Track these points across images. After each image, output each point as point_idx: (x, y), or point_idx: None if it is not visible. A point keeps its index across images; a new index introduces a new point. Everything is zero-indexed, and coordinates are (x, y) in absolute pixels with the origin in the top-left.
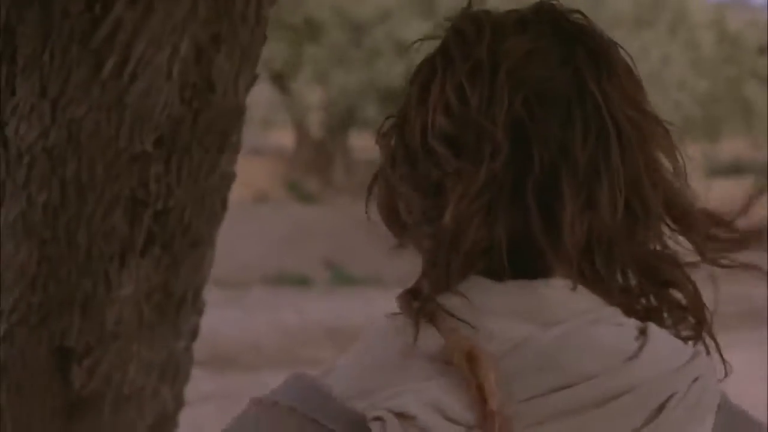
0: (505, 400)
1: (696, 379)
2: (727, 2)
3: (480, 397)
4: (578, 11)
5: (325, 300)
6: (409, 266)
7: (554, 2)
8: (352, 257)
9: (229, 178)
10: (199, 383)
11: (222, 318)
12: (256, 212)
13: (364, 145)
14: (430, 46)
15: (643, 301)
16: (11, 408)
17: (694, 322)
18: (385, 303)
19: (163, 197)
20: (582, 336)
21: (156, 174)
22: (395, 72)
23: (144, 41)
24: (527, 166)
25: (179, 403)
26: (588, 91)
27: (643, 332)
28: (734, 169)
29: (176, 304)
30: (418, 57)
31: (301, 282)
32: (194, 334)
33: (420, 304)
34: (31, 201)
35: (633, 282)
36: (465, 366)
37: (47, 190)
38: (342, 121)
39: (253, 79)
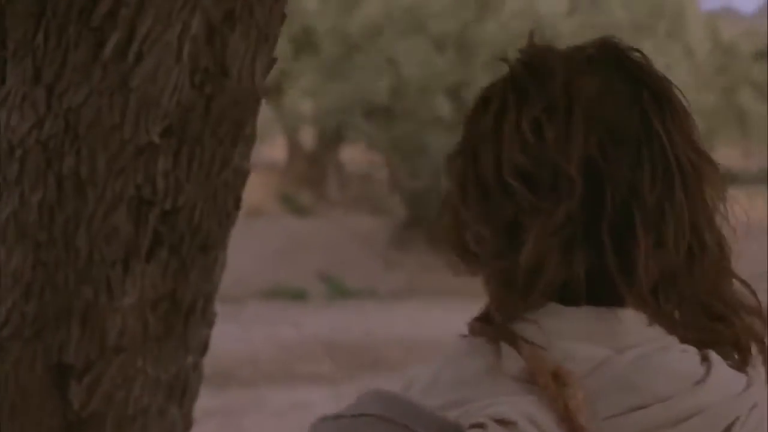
0: (590, 418)
1: (754, 406)
2: (717, 11)
3: (567, 414)
4: (638, 50)
5: (321, 313)
6: (402, 279)
7: (616, 40)
8: (346, 270)
9: (243, 173)
10: (199, 400)
11: (219, 333)
12: (250, 226)
13: (356, 158)
14: (416, 62)
15: (695, 334)
16: (4, 430)
17: (740, 356)
18: (381, 316)
19: (172, 195)
20: (654, 360)
21: (164, 168)
22: (384, 87)
23: (150, 17)
24: (600, 205)
25: (188, 423)
26: (654, 133)
27: (705, 358)
28: (728, 179)
29: (185, 315)
30: (408, 72)
31: (297, 295)
32: (204, 347)
33: (498, 328)
34: (24, 199)
35: (686, 316)
36: (552, 385)
37: (42, 187)
38: (334, 134)
39: (271, 62)
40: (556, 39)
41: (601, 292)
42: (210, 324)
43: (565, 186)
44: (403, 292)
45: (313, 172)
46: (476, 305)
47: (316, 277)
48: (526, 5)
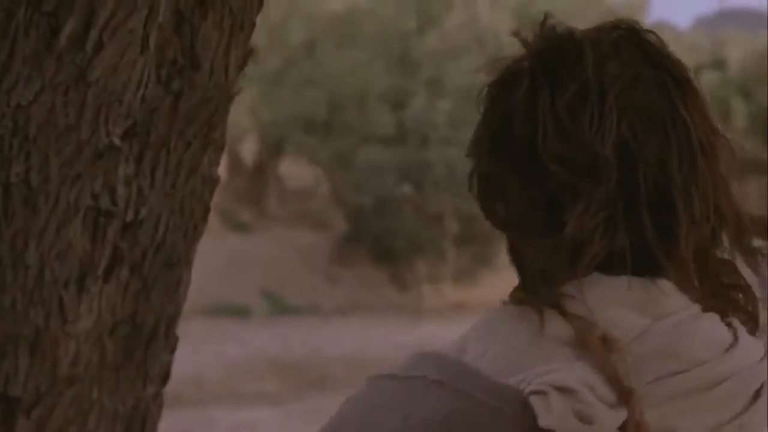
0: (636, 382)
1: None
2: (652, 26)
3: (616, 378)
4: (653, 32)
5: (265, 330)
6: (345, 295)
7: (634, 23)
8: (288, 286)
9: (212, 181)
10: None
11: None
12: None
13: (296, 173)
14: (356, 74)
15: (716, 302)
16: None
17: (751, 324)
18: (326, 333)
19: (134, 205)
20: (691, 327)
21: (125, 175)
22: (323, 100)
23: (111, 1)
24: (635, 186)
25: None
26: (678, 115)
27: (729, 325)
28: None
29: (146, 340)
30: (343, 88)
31: (241, 312)
32: (165, 376)
33: (543, 296)
34: None
35: (708, 285)
36: (601, 349)
37: None
38: (274, 149)
39: (248, 54)
40: (499, 52)
41: (640, 263)
42: (172, 349)
43: (602, 168)
44: (346, 307)
45: (253, 188)
46: (419, 322)
47: (259, 293)
48: (468, 18)
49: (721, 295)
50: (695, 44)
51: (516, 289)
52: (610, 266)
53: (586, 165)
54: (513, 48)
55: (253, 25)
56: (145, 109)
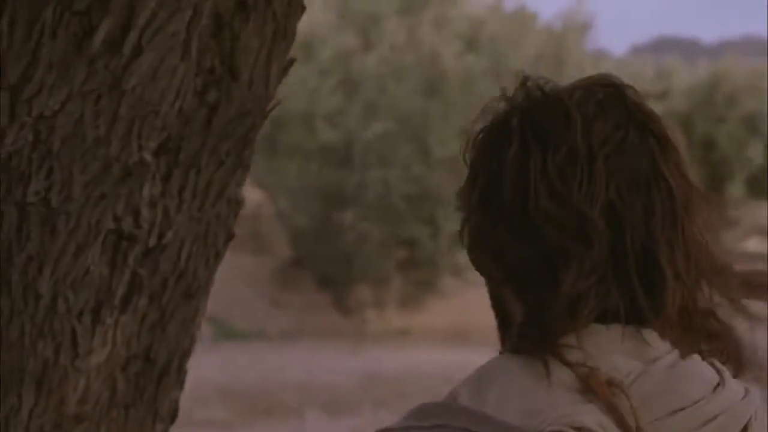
0: (641, 421)
1: (757, 410)
2: (590, 53)
3: (623, 419)
4: (632, 87)
5: (212, 356)
6: (290, 320)
7: (615, 80)
8: (234, 311)
9: (237, 205)
10: None
11: None
12: None
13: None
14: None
15: (694, 347)
16: None
17: (734, 366)
18: (273, 358)
19: (158, 229)
20: (684, 367)
21: (151, 196)
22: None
23: (153, 0)
24: (622, 247)
25: None
26: (662, 177)
27: (713, 365)
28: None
29: (158, 376)
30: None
31: None
32: (174, 413)
33: (545, 345)
34: None
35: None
36: (607, 392)
37: None
38: None
39: (289, 65)
40: (444, 77)
41: (630, 316)
42: (182, 385)
43: (592, 230)
44: (292, 332)
45: None
46: (364, 347)
47: (205, 319)
48: (408, 38)
49: (702, 341)
50: (636, 73)
51: (508, 338)
52: (604, 318)
53: (576, 227)
54: (458, 74)
55: (294, 33)
56: (181, 122)
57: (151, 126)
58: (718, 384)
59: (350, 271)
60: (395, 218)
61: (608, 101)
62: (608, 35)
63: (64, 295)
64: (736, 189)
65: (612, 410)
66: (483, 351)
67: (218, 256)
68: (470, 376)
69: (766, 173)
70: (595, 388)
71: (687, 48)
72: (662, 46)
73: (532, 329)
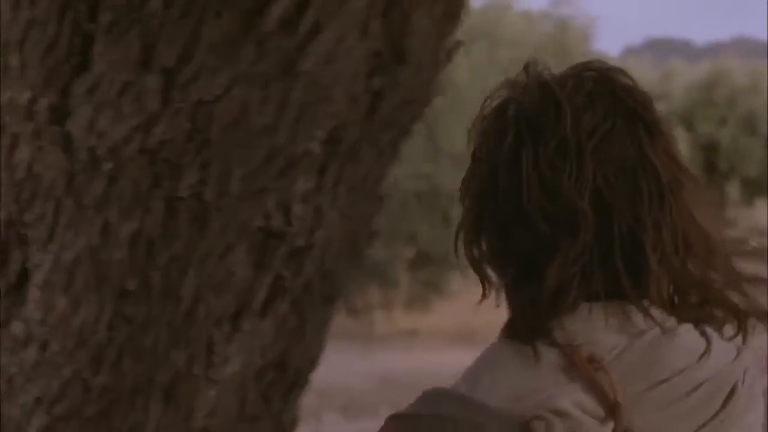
0: (623, 396)
1: (746, 369)
2: (591, 54)
3: (603, 394)
4: (623, 71)
5: None
6: None
7: (605, 66)
8: None
9: (381, 201)
10: None
11: None
12: None
13: None
14: None
15: (690, 314)
16: None
17: (740, 328)
18: None
19: (308, 227)
20: (667, 340)
21: (304, 191)
22: None
23: None
24: (609, 233)
25: None
26: (649, 163)
27: (703, 333)
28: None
29: (288, 386)
30: None
31: None
32: (294, 424)
33: (531, 332)
34: (108, 231)
35: (681, 303)
36: (588, 369)
37: (140, 215)
38: None
39: (455, 47)
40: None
41: (612, 294)
42: (304, 394)
43: (581, 220)
44: None
45: None
46: (373, 348)
47: None
48: None
49: (695, 309)
50: (636, 75)
51: (504, 327)
52: (588, 298)
53: (566, 219)
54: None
55: (461, 14)
56: (350, 110)
57: (323, 113)
58: (705, 352)
59: (357, 272)
60: (404, 216)
61: (598, 90)
62: (599, 37)
63: (206, 299)
64: (734, 189)
65: (593, 387)
66: None
67: (360, 257)
68: (470, 366)
69: (766, 173)
70: (577, 365)
71: (680, 49)
72: (655, 47)
73: (521, 316)
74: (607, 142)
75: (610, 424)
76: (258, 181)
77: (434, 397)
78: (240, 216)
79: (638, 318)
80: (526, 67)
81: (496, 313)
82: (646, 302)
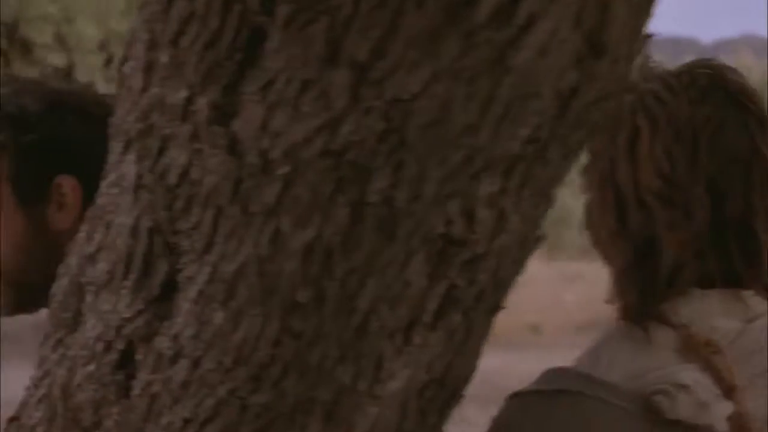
0: (740, 379)
1: None
2: None
3: (721, 376)
4: (733, 68)
5: None
6: None
7: (716, 63)
8: None
9: (551, 204)
10: None
11: None
12: None
13: None
14: None
15: None
16: None
17: None
18: None
19: (489, 234)
20: None
21: (489, 194)
22: None
23: None
24: (723, 217)
25: None
26: (761, 154)
27: None
28: None
29: (444, 402)
30: None
31: None
32: None
33: (647, 313)
34: (279, 240)
35: None
36: (706, 352)
37: (319, 222)
38: None
39: (647, 38)
40: None
41: (726, 279)
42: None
43: (696, 204)
44: None
45: None
46: None
47: None
48: None
49: None
50: None
51: (620, 308)
52: (703, 283)
53: (681, 202)
54: None
55: (657, 1)
56: (554, 107)
57: (531, 110)
58: None
59: None
60: None
61: (711, 86)
62: None
63: (379, 311)
64: None
65: (710, 369)
66: (513, 354)
67: (524, 264)
68: (590, 346)
69: None
70: (694, 348)
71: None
72: (662, 47)
73: (636, 298)
74: (720, 133)
75: (729, 405)
76: (451, 184)
77: (558, 374)
78: (427, 222)
79: (753, 302)
80: (644, 62)
81: (505, 315)
82: (759, 286)
